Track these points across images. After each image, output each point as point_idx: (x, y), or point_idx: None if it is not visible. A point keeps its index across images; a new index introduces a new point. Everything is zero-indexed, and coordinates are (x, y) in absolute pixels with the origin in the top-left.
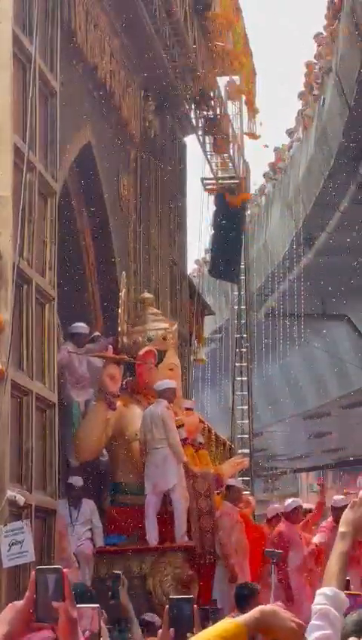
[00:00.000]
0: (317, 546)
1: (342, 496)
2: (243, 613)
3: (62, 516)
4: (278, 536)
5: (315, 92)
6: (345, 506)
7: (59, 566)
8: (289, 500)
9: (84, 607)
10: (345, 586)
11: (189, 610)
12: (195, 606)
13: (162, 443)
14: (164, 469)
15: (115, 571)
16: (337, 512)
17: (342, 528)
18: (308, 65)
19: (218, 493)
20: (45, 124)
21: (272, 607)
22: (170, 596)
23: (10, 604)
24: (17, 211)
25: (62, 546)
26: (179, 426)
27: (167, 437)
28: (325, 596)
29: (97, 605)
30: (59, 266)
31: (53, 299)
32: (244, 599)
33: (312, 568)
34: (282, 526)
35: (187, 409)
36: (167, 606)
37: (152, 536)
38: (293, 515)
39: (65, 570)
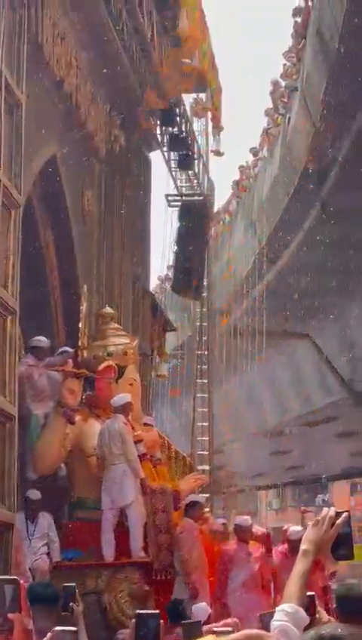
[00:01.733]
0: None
1: (298, 528)
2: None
3: (18, 530)
4: (222, 554)
5: (281, 111)
6: (301, 539)
7: (16, 577)
8: (238, 519)
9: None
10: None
11: (155, 625)
12: (161, 621)
13: (120, 458)
14: (122, 485)
15: (67, 584)
16: (292, 543)
17: (303, 546)
18: (274, 83)
19: (176, 510)
20: (10, 136)
21: (258, 632)
22: (137, 611)
23: None
24: None
25: (18, 560)
26: (137, 442)
27: (125, 452)
28: (285, 613)
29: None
30: (21, 279)
31: (15, 312)
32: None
33: (258, 582)
34: (231, 544)
35: (146, 424)
36: (133, 621)
37: (109, 552)
38: (241, 532)
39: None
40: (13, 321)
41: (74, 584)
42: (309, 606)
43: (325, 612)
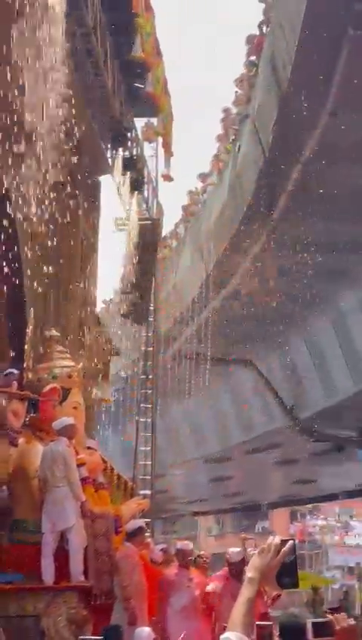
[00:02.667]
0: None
1: (237, 550)
2: None
3: None
4: (163, 578)
5: (231, 137)
6: (241, 561)
7: None
8: (180, 543)
9: None
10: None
11: None
12: None
13: (62, 481)
14: (63, 508)
15: None
16: (233, 566)
17: (249, 574)
18: (225, 110)
19: (117, 534)
20: None
21: None
22: (80, 637)
23: None
24: None
25: None
26: (80, 465)
27: (67, 475)
28: None
29: None
30: None
31: None
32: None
33: (199, 607)
34: (172, 568)
35: (89, 448)
36: None
37: (48, 575)
38: (182, 557)
39: None
40: None
41: None
42: (269, 634)
43: None
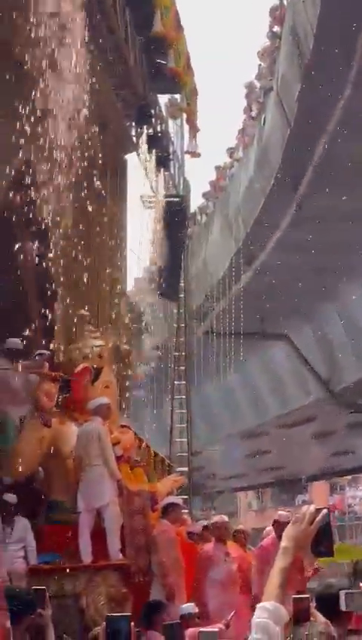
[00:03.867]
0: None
1: (286, 512)
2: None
3: None
4: (200, 554)
5: (256, 111)
6: (289, 522)
7: None
8: (216, 518)
9: None
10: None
11: (127, 627)
12: (132, 623)
13: (97, 460)
14: (98, 487)
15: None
16: (281, 526)
17: (283, 543)
18: (249, 86)
19: (153, 511)
20: None
21: None
22: (107, 614)
23: None
24: None
25: None
26: (114, 444)
27: (102, 454)
28: (265, 610)
29: None
30: None
31: None
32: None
33: (236, 582)
34: (209, 544)
35: (123, 426)
36: (104, 623)
37: (86, 554)
38: (218, 532)
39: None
40: None
41: (44, 587)
42: (306, 608)
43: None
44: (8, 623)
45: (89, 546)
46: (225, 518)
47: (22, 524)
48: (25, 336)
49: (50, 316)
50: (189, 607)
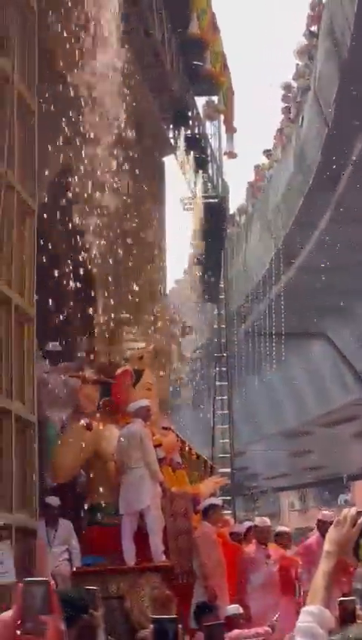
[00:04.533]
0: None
1: (330, 512)
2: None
3: (40, 537)
4: (242, 556)
5: (294, 111)
6: (332, 522)
7: (46, 579)
8: (258, 520)
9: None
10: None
11: (173, 629)
12: (179, 625)
13: (138, 462)
14: (139, 489)
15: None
16: (325, 525)
17: (326, 547)
18: (286, 86)
19: (196, 513)
20: (23, 143)
21: None
22: (153, 616)
23: None
24: None
25: (40, 567)
26: (156, 446)
27: (144, 456)
28: (310, 614)
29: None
30: (37, 284)
31: (32, 319)
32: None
33: (278, 584)
34: (250, 546)
35: (164, 428)
36: (152, 626)
37: (129, 556)
38: (260, 534)
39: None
40: (30, 329)
41: (96, 587)
42: (352, 610)
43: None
44: (63, 626)
45: (132, 548)
46: (267, 520)
47: (65, 526)
48: (65, 339)
49: (90, 319)
50: (235, 608)
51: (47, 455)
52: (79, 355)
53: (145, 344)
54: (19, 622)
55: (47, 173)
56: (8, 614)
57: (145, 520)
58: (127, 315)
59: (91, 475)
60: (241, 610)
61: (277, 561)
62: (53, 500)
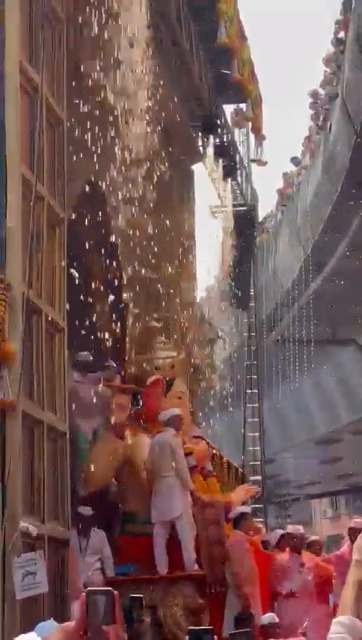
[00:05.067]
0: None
1: None
2: None
3: (72, 547)
4: (275, 564)
5: (322, 118)
6: None
7: (109, 588)
8: (290, 528)
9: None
10: None
11: None
12: (215, 637)
13: (169, 471)
14: (170, 498)
15: (135, 595)
16: (357, 533)
17: (355, 556)
18: (314, 94)
19: (228, 522)
20: (52, 153)
21: None
22: (188, 627)
23: (60, 626)
24: (26, 241)
25: (73, 577)
26: (187, 454)
27: (175, 465)
28: (342, 625)
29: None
30: (67, 293)
31: (63, 329)
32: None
33: (312, 592)
34: (284, 555)
35: (195, 437)
36: (187, 637)
37: (162, 565)
38: (293, 542)
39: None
40: (62, 339)
41: (141, 595)
42: None
43: None
44: (125, 635)
45: (164, 557)
46: (300, 528)
47: (98, 536)
48: (96, 348)
49: (121, 328)
50: (270, 617)
51: (79, 465)
52: (110, 364)
53: (175, 353)
54: (81, 632)
55: (76, 183)
56: (71, 624)
57: (177, 529)
58: (158, 324)
59: (123, 485)
60: (277, 620)
61: (312, 570)
62: (86, 510)
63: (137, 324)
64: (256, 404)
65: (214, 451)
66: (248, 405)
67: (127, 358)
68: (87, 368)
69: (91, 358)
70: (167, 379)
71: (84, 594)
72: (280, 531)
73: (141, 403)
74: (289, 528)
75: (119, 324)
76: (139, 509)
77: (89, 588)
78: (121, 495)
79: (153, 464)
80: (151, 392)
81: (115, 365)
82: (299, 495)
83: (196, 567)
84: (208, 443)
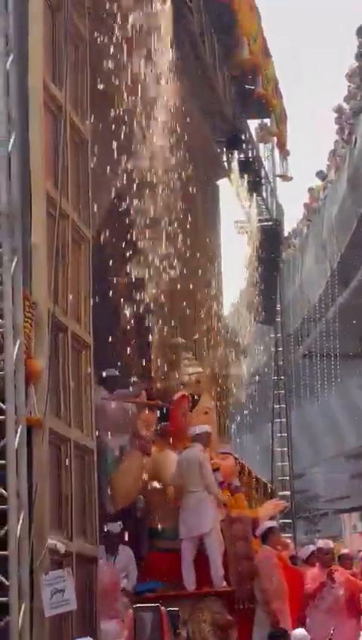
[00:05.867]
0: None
1: None
2: None
3: (100, 564)
4: (305, 579)
5: (347, 133)
6: None
7: (157, 604)
8: (320, 542)
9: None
10: None
11: None
12: None
13: (198, 486)
14: (199, 513)
15: (172, 609)
16: None
17: None
18: (338, 109)
19: (256, 537)
20: (76, 171)
21: None
22: None
23: None
24: (51, 259)
25: (115, 596)
26: (214, 470)
27: (204, 480)
28: None
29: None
30: (92, 311)
31: (89, 346)
32: None
33: (343, 607)
34: (314, 570)
35: (223, 453)
36: None
37: (190, 581)
38: (323, 557)
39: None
40: (88, 356)
41: (177, 609)
42: None
43: None
44: None
45: (192, 573)
46: (330, 543)
47: (126, 553)
48: (122, 364)
49: (146, 344)
50: (301, 633)
51: (106, 481)
52: (136, 380)
53: (202, 368)
54: None
55: (101, 199)
56: None
57: (205, 544)
58: (183, 340)
59: (150, 501)
60: (309, 637)
61: (343, 584)
62: (114, 527)
63: (163, 339)
64: (284, 419)
65: (243, 466)
66: (276, 420)
67: (153, 375)
68: (113, 384)
69: (118, 374)
70: (193, 395)
71: (131, 611)
72: (312, 547)
73: (167, 419)
74: (320, 543)
75: (145, 340)
76: (166, 525)
77: (136, 605)
78: (149, 511)
79: (181, 479)
80: (177, 408)
81: (141, 382)
82: (328, 510)
83: (224, 583)
84: (236, 458)
